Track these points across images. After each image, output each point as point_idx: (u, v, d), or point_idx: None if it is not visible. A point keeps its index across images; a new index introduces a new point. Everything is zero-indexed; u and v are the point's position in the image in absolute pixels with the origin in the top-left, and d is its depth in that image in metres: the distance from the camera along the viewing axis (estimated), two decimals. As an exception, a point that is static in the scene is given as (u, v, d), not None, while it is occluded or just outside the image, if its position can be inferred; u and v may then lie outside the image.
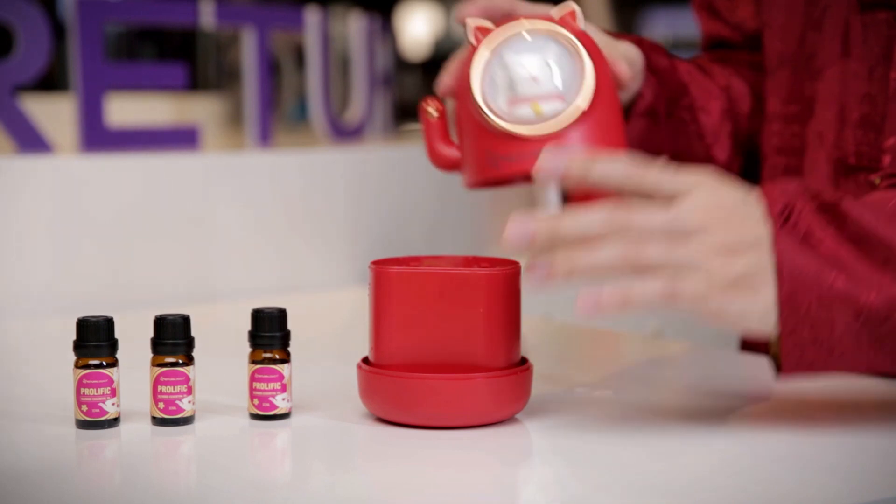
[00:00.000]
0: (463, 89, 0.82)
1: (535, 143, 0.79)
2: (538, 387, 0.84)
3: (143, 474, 0.74)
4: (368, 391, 0.82)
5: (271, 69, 1.64)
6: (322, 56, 1.73)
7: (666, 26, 4.48)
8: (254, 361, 0.82)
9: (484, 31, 0.83)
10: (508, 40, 0.81)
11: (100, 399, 0.79)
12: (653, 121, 0.97)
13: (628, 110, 0.96)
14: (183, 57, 2.75)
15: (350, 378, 0.84)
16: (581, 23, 0.82)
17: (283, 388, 0.82)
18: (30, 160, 1.29)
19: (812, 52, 0.98)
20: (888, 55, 0.91)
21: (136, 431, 0.80)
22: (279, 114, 2.62)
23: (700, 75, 1.03)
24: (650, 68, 0.96)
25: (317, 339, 0.86)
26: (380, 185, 1.55)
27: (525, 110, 0.79)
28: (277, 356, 0.81)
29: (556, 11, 0.83)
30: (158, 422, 0.81)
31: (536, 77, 0.79)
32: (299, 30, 1.74)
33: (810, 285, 0.73)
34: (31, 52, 1.33)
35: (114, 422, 0.80)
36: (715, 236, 0.72)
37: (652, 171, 0.74)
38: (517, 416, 0.83)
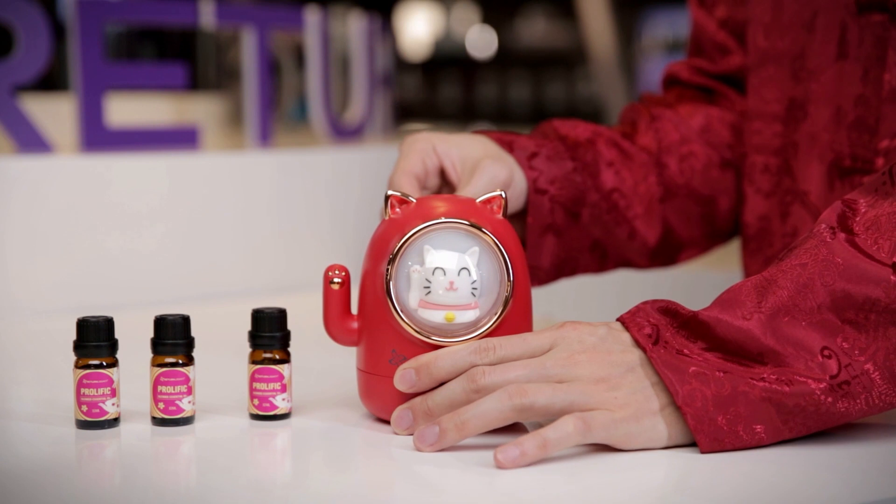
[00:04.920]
0: (373, 268, 0.80)
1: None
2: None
3: (143, 474, 0.74)
4: (368, 392, 0.82)
5: (271, 69, 1.64)
6: (322, 56, 1.73)
7: (666, 27, 4.49)
8: (254, 361, 0.82)
9: (401, 203, 0.80)
10: (429, 233, 0.78)
11: (100, 399, 0.79)
12: (556, 234, 0.97)
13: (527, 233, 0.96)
14: (183, 57, 2.75)
15: (350, 378, 0.84)
16: (504, 212, 0.80)
17: (283, 389, 0.82)
18: (30, 160, 1.29)
19: (801, 52, 0.98)
20: (882, 57, 0.91)
21: (136, 431, 0.80)
22: (279, 114, 2.62)
23: (619, 154, 1.01)
24: (537, 189, 0.96)
25: (317, 339, 0.86)
26: (380, 185, 1.54)
27: (438, 317, 0.77)
28: (277, 356, 0.82)
29: (482, 197, 0.80)
30: (158, 422, 0.81)
31: (454, 284, 0.77)
32: (299, 30, 1.74)
33: (701, 387, 0.74)
34: (31, 52, 1.33)
35: (114, 422, 0.80)
36: (588, 375, 0.75)
37: (502, 345, 0.77)
38: (517, 416, 0.83)
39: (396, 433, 0.78)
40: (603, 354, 0.76)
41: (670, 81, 1.13)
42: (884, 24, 0.91)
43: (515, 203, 0.95)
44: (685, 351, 0.76)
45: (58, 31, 1.45)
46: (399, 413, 0.78)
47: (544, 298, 1.03)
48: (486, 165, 0.92)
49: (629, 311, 0.78)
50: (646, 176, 1.02)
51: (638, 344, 0.77)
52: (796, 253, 0.78)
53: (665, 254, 1.05)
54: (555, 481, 0.71)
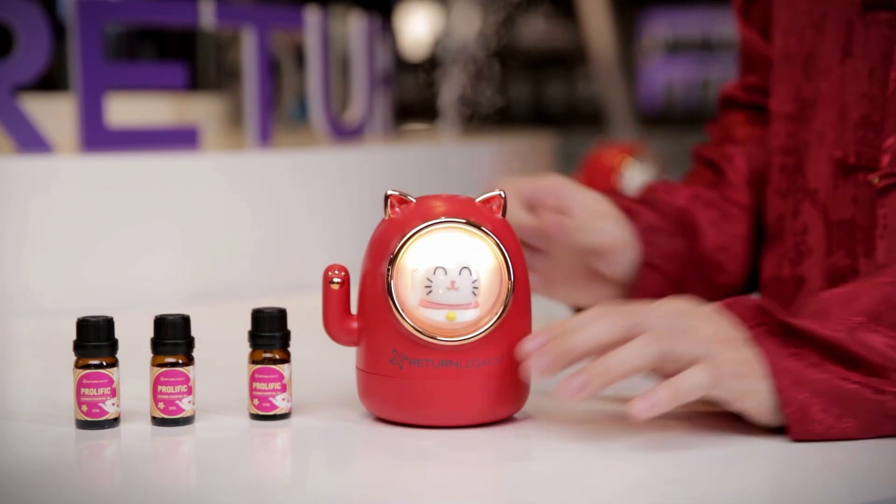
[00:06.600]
0: (373, 268, 0.80)
1: (443, 351, 0.78)
2: (538, 387, 0.84)
3: (143, 474, 0.74)
4: (368, 391, 0.82)
5: (271, 69, 1.64)
6: (322, 56, 1.73)
7: (666, 27, 4.49)
8: (254, 361, 0.82)
9: (401, 202, 0.80)
10: (429, 232, 0.78)
11: (100, 399, 0.79)
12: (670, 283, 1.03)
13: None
14: (183, 57, 2.75)
15: (350, 378, 0.84)
16: (504, 212, 0.81)
17: (283, 388, 0.82)
18: (30, 160, 1.29)
19: (811, 51, 0.98)
20: (888, 55, 0.91)
21: (136, 431, 0.80)
22: (279, 114, 2.62)
23: (718, 214, 1.06)
24: (649, 263, 1.01)
25: (317, 339, 0.86)
26: (380, 185, 1.54)
27: (439, 316, 0.77)
28: (277, 356, 0.82)
29: (482, 196, 0.80)
30: (158, 422, 0.81)
31: (455, 284, 0.77)
32: (299, 30, 1.74)
33: (799, 368, 0.76)
34: (31, 52, 1.33)
35: (114, 422, 0.80)
36: (714, 335, 0.77)
37: (624, 310, 0.78)
38: (516, 415, 0.83)
39: (532, 376, 0.77)
40: (718, 320, 0.78)
41: (727, 103, 1.15)
42: (890, 22, 0.91)
43: (619, 268, 1.01)
44: (788, 340, 0.78)
45: (58, 31, 1.44)
46: (535, 357, 0.76)
47: (543, 299, 1.03)
48: (609, 221, 1.00)
49: (727, 301, 0.81)
50: (743, 229, 1.07)
51: (741, 324, 0.79)
52: (886, 272, 0.81)
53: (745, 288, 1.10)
54: (551, 480, 0.71)
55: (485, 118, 1.49)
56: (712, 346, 0.76)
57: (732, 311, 0.79)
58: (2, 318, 1.24)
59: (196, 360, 0.81)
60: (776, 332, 0.78)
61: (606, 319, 0.77)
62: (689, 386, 0.74)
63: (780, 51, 1.03)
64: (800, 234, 1.00)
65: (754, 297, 0.83)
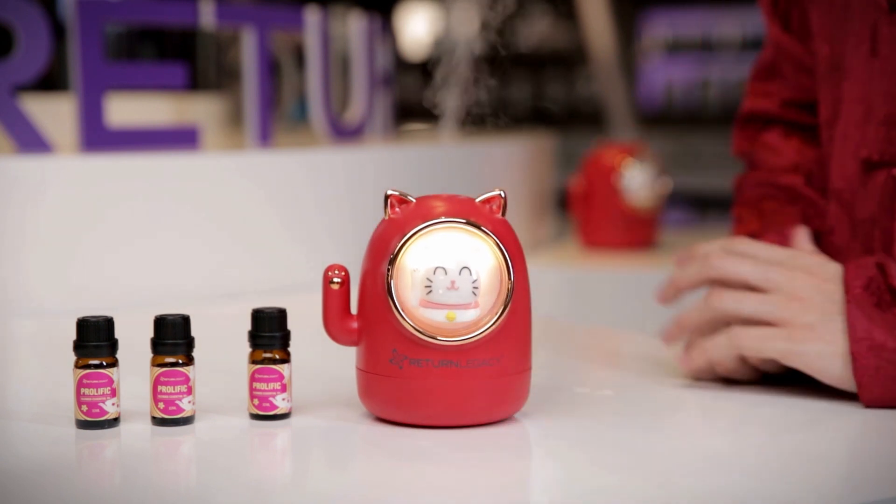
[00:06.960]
0: (373, 268, 0.80)
1: (443, 351, 0.78)
2: (538, 387, 0.84)
3: (143, 474, 0.74)
4: (368, 391, 0.82)
5: (271, 69, 1.64)
6: (322, 56, 1.73)
7: (666, 27, 4.48)
8: (254, 361, 0.82)
9: (401, 202, 0.81)
10: (430, 232, 0.78)
11: (100, 399, 0.79)
12: None
13: None
14: (183, 57, 2.75)
15: (350, 378, 0.84)
16: (503, 212, 0.81)
17: (283, 388, 0.82)
18: (30, 160, 1.29)
19: (840, 54, 0.99)
20: None
21: (136, 431, 0.80)
22: (279, 114, 2.62)
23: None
24: None
25: (317, 339, 0.86)
26: (380, 185, 1.54)
27: (439, 316, 0.77)
28: (277, 356, 0.82)
29: (482, 196, 0.80)
30: (158, 422, 0.81)
31: (455, 284, 0.77)
32: (299, 30, 1.74)
33: (884, 337, 0.81)
34: (31, 52, 1.33)
35: (114, 422, 0.80)
36: (792, 289, 0.84)
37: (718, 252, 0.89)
38: (516, 415, 0.83)
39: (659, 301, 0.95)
40: (820, 280, 0.85)
41: (763, 119, 1.11)
42: None
43: None
44: (884, 306, 0.82)
45: (58, 31, 1.44)
46: (659, 288, 0.95)
47: (545, 297, 1.03)
48: None
49: (855, 262, 0.86)
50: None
51: (845, 285, 0.83)
52: None
53: None
54: (551, 480, 0.71)
55: (485, 118, 1.48)
56: (777, 304, 0.83)
57: (848, 270, 0.84)
58: (2, 318, 1.24)
59: (196, 360, 0.81)
60: (878, 296, 0.82)
61: (698, 265, 0.90)
62: (711, 352, 0.87)
63: (821, 59, 1.03)
64: (826, 235, 1.00)
65: (881, 257, 0.86)
